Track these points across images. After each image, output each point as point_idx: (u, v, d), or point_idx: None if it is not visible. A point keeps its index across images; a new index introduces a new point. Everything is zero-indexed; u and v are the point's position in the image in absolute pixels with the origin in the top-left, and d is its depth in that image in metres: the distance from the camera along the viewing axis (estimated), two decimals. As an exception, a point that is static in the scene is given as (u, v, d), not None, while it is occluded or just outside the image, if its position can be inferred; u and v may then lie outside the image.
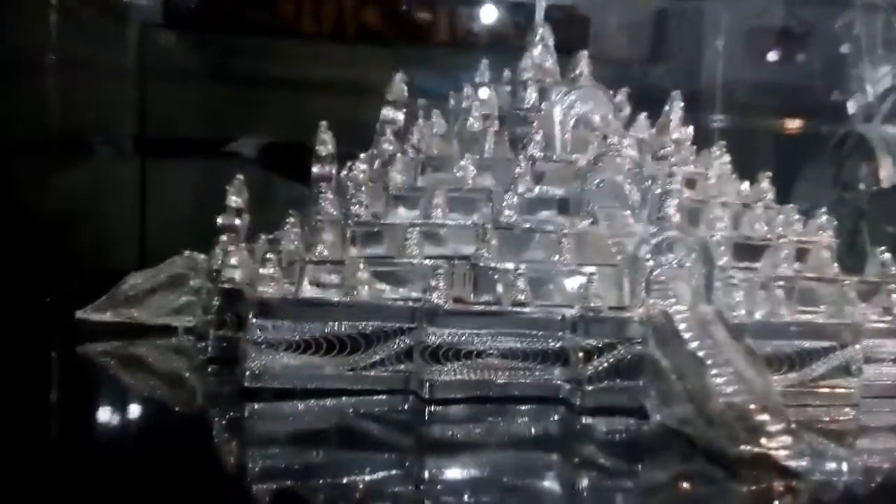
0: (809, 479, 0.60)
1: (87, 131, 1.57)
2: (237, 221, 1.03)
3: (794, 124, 2.15)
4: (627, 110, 1.09)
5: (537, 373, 0.75)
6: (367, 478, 0.61)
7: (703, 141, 1.13)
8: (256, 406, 0.73)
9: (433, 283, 0.74)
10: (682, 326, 0.67)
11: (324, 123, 1.08)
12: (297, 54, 1.77)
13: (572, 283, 0.79)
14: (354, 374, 0.75)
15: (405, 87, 1.11)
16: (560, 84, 1.00)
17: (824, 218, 0.95)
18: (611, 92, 0.98)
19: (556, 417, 0.74)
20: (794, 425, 0.60)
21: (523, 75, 1.05)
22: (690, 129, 1.10)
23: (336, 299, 0.75)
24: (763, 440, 0.57)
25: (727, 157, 1.08)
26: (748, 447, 0.57)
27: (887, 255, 0.90)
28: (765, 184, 0.98)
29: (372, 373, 0.75)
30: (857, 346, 0.78)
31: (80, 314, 1.03)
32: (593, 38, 1.90)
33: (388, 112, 1.08)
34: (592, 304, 0.73)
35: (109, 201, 1.59)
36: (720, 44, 2.00)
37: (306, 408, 0.73)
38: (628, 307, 0.74)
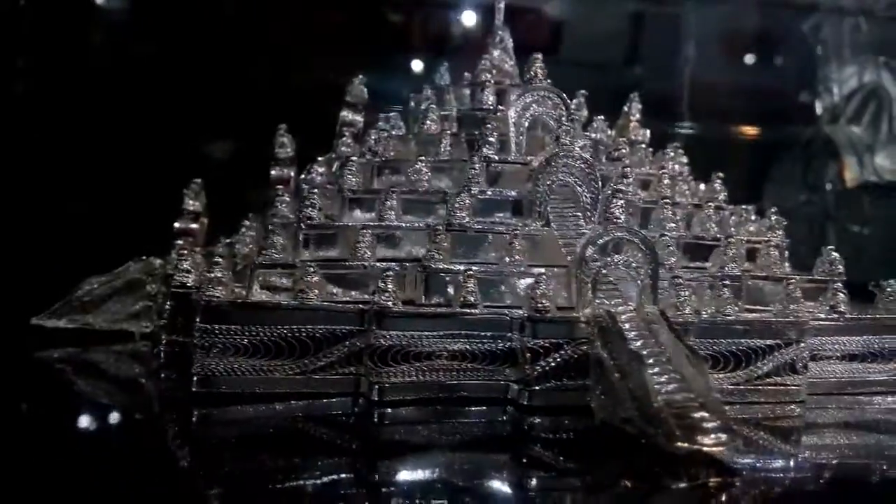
0: (752, 476, 0.61)
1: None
2: (193, 225, 1.03)
3: (766, 126, 2.18)
4: (585, 112, 1.10)
5: (486, 373, 0.75)
6: (317, 481, 0.60)
7: (674, 143, 1.14)
8: (205, 411, 0.73)
9: (381, 285, 0.74)
10: (625, 326, 0.68)
11: (283, 126, 1.08)
12: (271, 57, 1.76)
13: (523, 285, 0.79)
14: (304, 378, 0.74)
15: (365, 90, 1.11)
16: (517, 86, 1.01)
17: (774, 218, 0.96)
18: (565, 94, 0.98)
19: (504, 417, 0.74)
20: (731, 423, 0.60)
21: (481, 77, 1.06)
22: (647, 131, 1.11)
23: (283, 302, 0.74)
24: (699, 437, 0.58)
25: (684, 159, 1.09)
26: (684, 444, 0.58)
27: (836, 255, 0.92)
28: (717, 184, 1.00)
29: (321, 376, 0.75)
30: (803, 344, 0.79)
31: (34, 320, 1.02)
32: (567, 42, 1.92)
33: (346, 114, 1.08)
34: (539, 305, 0.73)
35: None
36: (693, 47, 2.02)
37: (255, 412, 0.73)
38: (576, 307, 0.75)
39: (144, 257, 1.06)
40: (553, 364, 0.73)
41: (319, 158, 1.03)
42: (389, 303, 0.74)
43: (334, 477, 0.62)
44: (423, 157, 0.91)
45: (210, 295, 0.73)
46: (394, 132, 1.04)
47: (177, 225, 1.03)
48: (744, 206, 1.00)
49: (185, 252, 0.87)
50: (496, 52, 1.10)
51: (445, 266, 0.79)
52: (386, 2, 1.83)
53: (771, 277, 0.86)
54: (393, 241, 0.86)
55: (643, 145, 1.07)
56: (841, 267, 0.91)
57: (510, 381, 0.75)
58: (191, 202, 1.05)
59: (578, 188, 0.85)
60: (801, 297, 0.81)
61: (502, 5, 1.14)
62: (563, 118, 0.91)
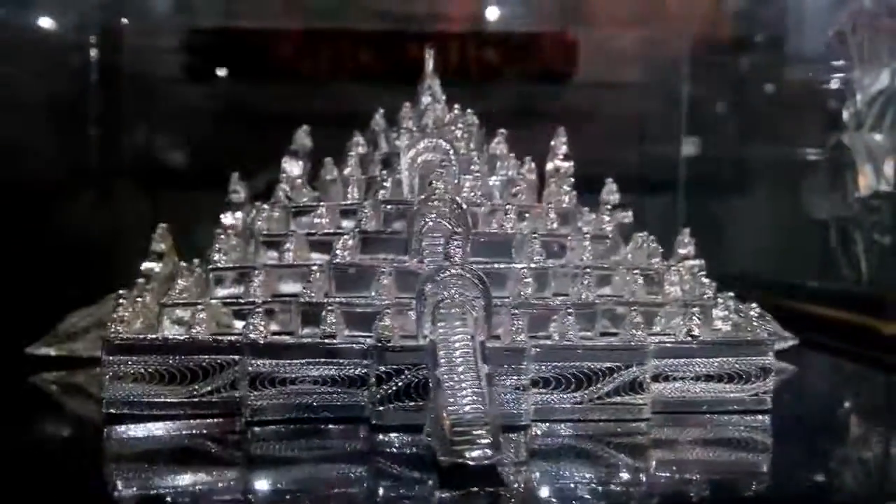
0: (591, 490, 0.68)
1: (105, 170, 1.79)
2: (154, 266, 1.19)
3: (798, 136, 2.16)
4: (503, 149, 1.18)
5: (346, 396, 0.86)
6: (201, 487, 0.73)
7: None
8: (113, 428, 0.87)
9: (251, 320, 0.86)
10: (440, 353, 0.77)
11: (235, 174, 1.22)
12: (302, 94, 1.93)
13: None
14: (193, 401, 0.87)
15: (308, 138, 1.24)
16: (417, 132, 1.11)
17: (652, 246, 1.02)
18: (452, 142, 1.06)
19: (361, 435, 0.84)
20: (500, 439, 0.68)
21: (402, 123, 1.16)
22: (571, 164, 1.18)
23: (169, 337, 0.88)
24: (465, 451, 0.66)
25: (614, 186, 1.15)
26: (451, 458, 0.66)
27: (707, 280, 0.96)
28: (605, 215, 1.06)
29: (208, 399, 0.87)
30: (645, 366, 0.85)
31: (28, 349, 1.20)
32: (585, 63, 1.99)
33: (286, 162, 1.22)
34: (382, 335, 0.83)
35: (124, 236, 1.79)
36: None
37: (152, 429, 0.86)
38: (417, 337, 0.84)
39: (122, 291, 1.22)
40: (395, 387, 0.82)
41: (257, 203, 1.16)
42: (256, 335, 0.85)
43: (216, 485, 0.74)
44: (323, 202, 1.02)
45: (114, 332, 0.87)
46: (328, 177, 1.17)
47: (143, 265, 1.18)
48: (641, 234, 1.05)
49: (124, 290, 1.02)
50: (426, 99, 1.21)
51: (317, 301, 0.90)
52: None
53: (624, 302, 0.92)
54: (301, 277, 0.98)
55: (553, 179, 1.14)
56: (709, 291, 0.95)
57: (366, 403, 0.85)
58: (156, 245, 1.21)
59: (451, 227, 0.94)
60: (642, 323, 0.87)
61: (432, 52, 1.24)
62: (449, 161, 1.01)
